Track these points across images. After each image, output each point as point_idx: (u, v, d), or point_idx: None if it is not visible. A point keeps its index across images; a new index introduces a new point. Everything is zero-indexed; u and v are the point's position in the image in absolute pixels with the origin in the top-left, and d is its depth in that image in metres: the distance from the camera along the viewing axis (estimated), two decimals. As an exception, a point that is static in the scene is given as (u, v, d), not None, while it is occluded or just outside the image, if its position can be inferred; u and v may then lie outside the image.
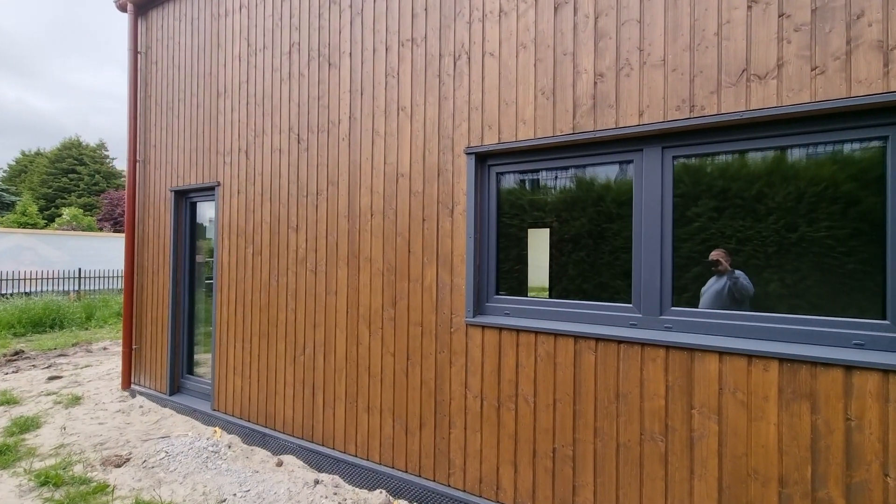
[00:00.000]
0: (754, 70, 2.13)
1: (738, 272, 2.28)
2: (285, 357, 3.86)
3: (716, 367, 2.19)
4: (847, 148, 2.06)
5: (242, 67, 4.25)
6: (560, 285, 2.80)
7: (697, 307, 2.37)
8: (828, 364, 1.97)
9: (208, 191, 4.66)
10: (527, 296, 2.88)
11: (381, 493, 3.17)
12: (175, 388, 4.94)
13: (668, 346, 2.31)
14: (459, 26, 2.99)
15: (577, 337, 2.55)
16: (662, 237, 2.41)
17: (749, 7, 2.14)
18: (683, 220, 2.39)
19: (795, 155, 2.16)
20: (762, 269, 2.23)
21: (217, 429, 4.26)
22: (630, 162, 2.53)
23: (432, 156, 3.08)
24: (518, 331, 2.74)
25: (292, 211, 3.84)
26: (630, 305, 2.52)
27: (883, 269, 1.97)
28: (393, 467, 3.21)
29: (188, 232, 4.95)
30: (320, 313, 3.63)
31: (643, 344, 2.37)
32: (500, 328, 2.80)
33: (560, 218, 2.78)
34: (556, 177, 2.81)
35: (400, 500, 3.12)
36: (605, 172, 2.65)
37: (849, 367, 1.93)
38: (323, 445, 3.57)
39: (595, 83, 2.52)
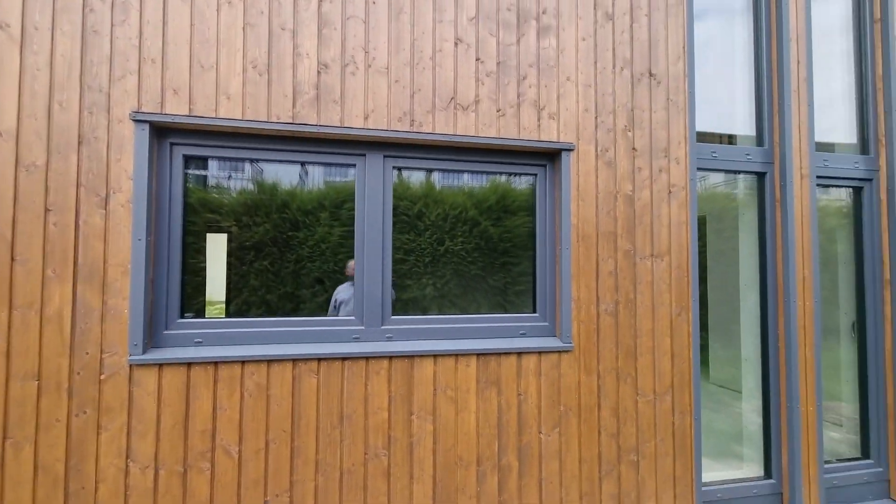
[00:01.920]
0: (459, 100, 2.41)
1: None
2: None
3: (431, 370, 2.33)
4: (523, 181, 2.62)
5: None
6: (244, 299, 2.35)
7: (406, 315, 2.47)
8: (508, 353, 2.41)
9: None
10: (227, 316, 2.27)
11: None
12: None
13: (391, 357, 2.28)
14: (124, -63, 2.09)
15: (297, 360, 2.18)
16: (384, 246, 2.39)
17: (456, 44, 2.41)
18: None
19: (475, 180, 2.59)
20: (421, 275, 2.53)
21: None
22: (353, 165, 2.40)
23: (68, 113, 2.01)
24: (217, 363, 2.11)
25: None
26: (352, 318, 2.37)
27: (534, 276, 2.60)
28: None
29: None
30: None
31: (368, 357, 2.26)
32: (190, 363, 2.08)
33: (240, 222, 2.34)
34: (262, 170, 2.36)
35: None
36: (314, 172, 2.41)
37: (519, 353, 2.43)
38: None
39: (319, 72, 2.25)
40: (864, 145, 3.16)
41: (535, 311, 2.59)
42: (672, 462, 2.57)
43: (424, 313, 2.46)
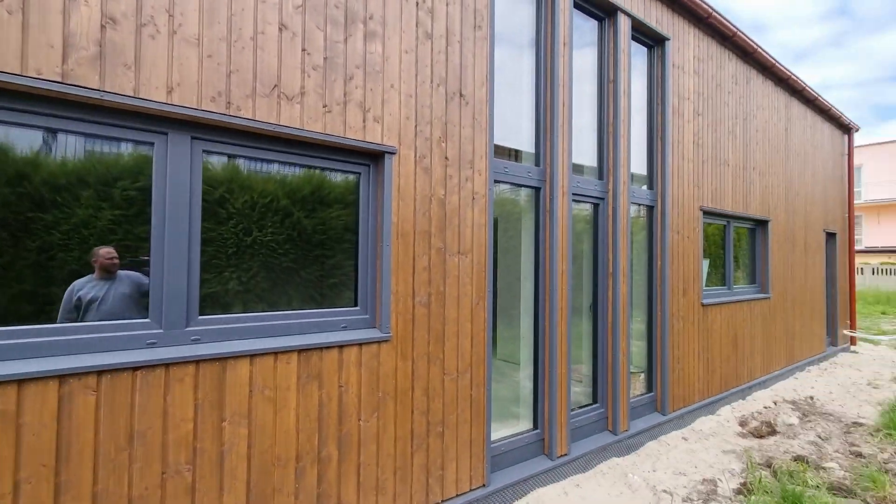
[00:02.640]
0: (284, 89, 2.31)
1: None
2: None
3: (247, 371, 2.20)
4: (341, 177, 2.66)
5: None
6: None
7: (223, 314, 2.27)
8: (330, 347, 2.45)
9: None
10: (-55, 328, 1.68)
11: None
12: None
13: (198, 361, 2.07)
14: None
15: (66, 376, 1.78)
16: (191, 238, 2.14)
17: (280, 30, 2.31)
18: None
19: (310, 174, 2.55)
20: (223, 268, 2.45)
21: None
22: (150, 144, 2.06)
23: None
24: (-72, 392, 1.55)
25: None
26: (147, 321, 2.04)
27: (356, 270, 2.70)
28: None
29: None
30: None
31: (168, 364, 1.99)
32: None
33: None
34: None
35: None
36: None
37: (341, 346, 2.50)
38: None
39: (104, 27, 1.86)
40: (601, 172, 4.27)
41: (356, 305, 2.69)
42: (469, 428, 3.04)
43: (226, 310, 2.29)
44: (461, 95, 3.03)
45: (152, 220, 2.05)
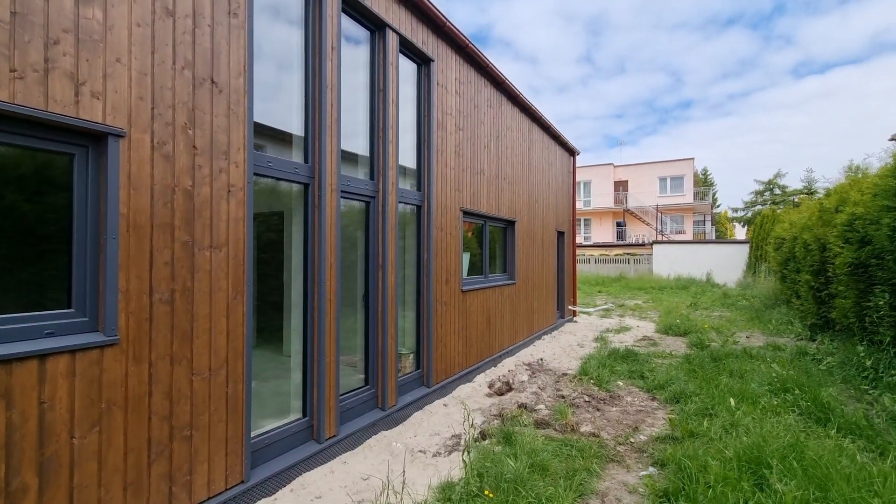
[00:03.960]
0: (-59, 41, 1.84)
1: None
2: None
3: None
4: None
5: None
6: None
7: None
8: (23, 358, 2.07)
9: None
10: None
11: None
12: None
13: None
14: None
15: None
16: None
17: (-66, -36, 1.83)
18: None
19: (-14, 149, 2.08)
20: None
21: None
22: None
23: None
24: None
25: None
26: None
27: (70, 267, 2.33)
28: None
29: None
30: None
31: None
32: None
33: None
34: None
35: None
36: None
37: (42, 356, 2.14)
38: None
39: None
40: (372, 173, 4.64)
41: (69, 307, 2.33)
42: (225, 426, 2.96)
43: None
44: (213, 82, 2.90)
45: None
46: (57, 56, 2.18)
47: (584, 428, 4.47)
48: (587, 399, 5.37)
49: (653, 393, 5.58)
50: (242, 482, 3.07)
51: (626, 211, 33.02)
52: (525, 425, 4.57)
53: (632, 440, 4.23)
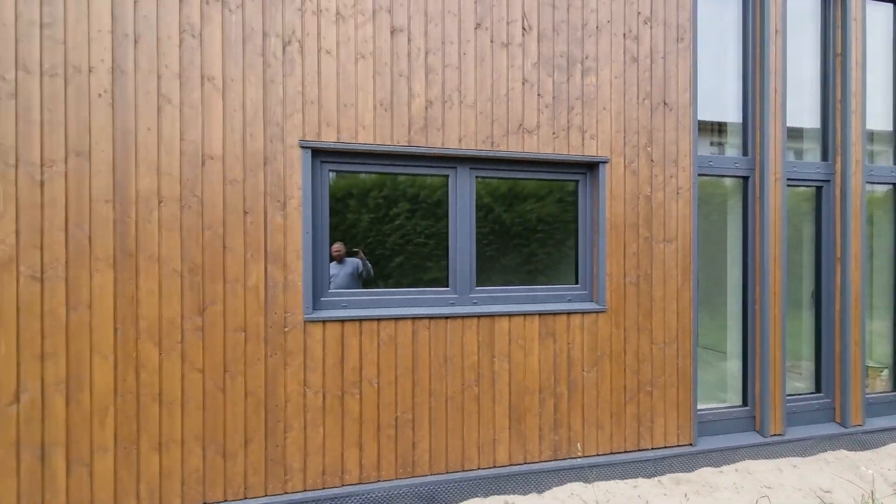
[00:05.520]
0: (525, 126, 3.23)
1: (367, 261, 3.18)
2: (-35, 416, 2.44)
3: (507, 325, 3.21)
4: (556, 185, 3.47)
5: None
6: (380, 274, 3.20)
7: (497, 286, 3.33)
8: (560, 313, 3.30)
9: None
10: (379, 287, 3.12)
11: (188, 539, 2.64)
12: None
13: (479, 316, 3.15)
14: (289, 11, 2.83)
15: (415, 318, 3.04)
16: (471, 234, 3.24)
17: (523, 83, 3.22)
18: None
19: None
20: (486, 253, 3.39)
21: None
22: (446, 175, 3.22)
23: (256, 142, 2.79)
24: (361, 320, 2.96)
25: (-23, 186, 2.45)
26: (447, 289, 3.22)
27: (576, 256, 3.47)
28: (204, 503, 2.72)
29: None
30: (55, 338, 2.54)
31: (463, 317, 3.13)
32: (343, 320, 2.93)
33: (383, 217, 3.17)
34: (376, 179, 3.17)
35: (220, 536, 2.71)
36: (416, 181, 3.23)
37: (569, 314, 3.32)
38: (69, 521, 2.55)
39: (426, 107, 3.05)
40: (824, 154, 4.06)
41: (577, 283, 3.47)
42: (676, 392, 3.51)
43: (491, 283, 3.32)
44: (665, 104, 3.48)
45: (448, 222, 3.21)
46: (573, 117, 3.31)
47: None
48: None
49: None
50: (690, 444, 3.53)
51: None
52: None
53: None
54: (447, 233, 3.23)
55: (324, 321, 2.90)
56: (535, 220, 3.43)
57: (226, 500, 2.75)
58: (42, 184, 2.52)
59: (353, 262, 3.22)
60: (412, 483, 3.01)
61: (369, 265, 3.18)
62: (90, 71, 2.58)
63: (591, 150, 3.35)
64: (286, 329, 2.84)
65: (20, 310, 2.50)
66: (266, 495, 2.81)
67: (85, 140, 2.57)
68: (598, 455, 3.36)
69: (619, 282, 3.41)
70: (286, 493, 2.83)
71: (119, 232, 2.61)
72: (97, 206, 2.58)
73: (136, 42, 2.63)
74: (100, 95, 2.59)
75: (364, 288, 3.15)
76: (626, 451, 3.42)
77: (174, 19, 2.68)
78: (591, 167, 3.44)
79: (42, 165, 2.52)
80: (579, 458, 3.30)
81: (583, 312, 3.34)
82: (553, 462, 3.27)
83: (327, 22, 2.89)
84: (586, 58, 3.33)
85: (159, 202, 2.66)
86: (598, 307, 3.35)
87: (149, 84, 2.65)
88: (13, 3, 2.49)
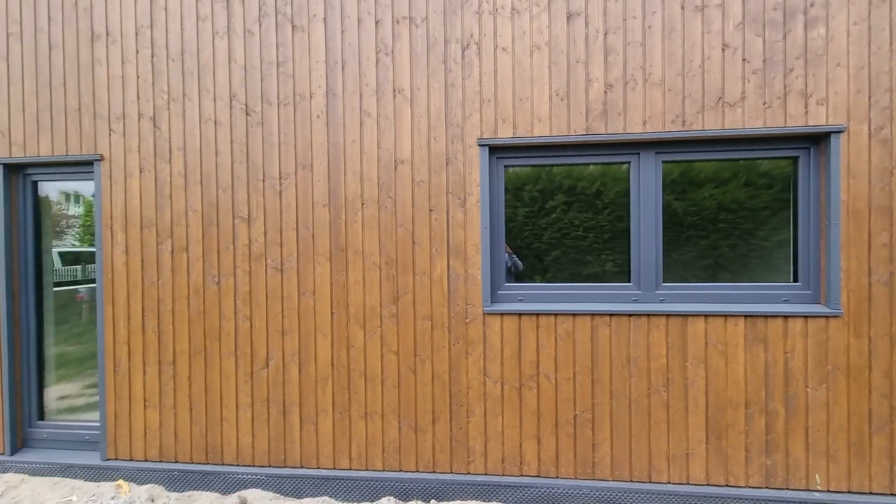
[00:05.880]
0: (727, 99, 2.79)
1: (513, 255, 3.12)
2: (236, 375, 3.18)
3: (703, 327, 2.83)
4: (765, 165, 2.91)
5: (140, 5, 3.22)
6: (552, 269, 3.11)
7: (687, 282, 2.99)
8: (773, 315, 2.78)
9: (74, 167, 3.39)
10: (534, 281, 3.11)
11: (388, 500, 2.99)
12: (18, 443, 3.49)
13: (667, 315, 2.86)
14: (467, 15, 2.96)
15: (594, 314, 2.91)
16: (657, 225, 2.95)
17: (723, 49, 2.79)
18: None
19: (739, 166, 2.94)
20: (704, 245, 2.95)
21: (121, 482, 3.23)
22: (627, 163, 2.98)
23: (439, 144, 2.99)
24: (538, 315, 2.95)
25: (240, 197, 3.15)
26: (630, 284, 2.99)
27: (795, 248, 2.88)
28: (400, 470, 3.05)
29: (29, 222, 3.51)
30: (291, 318, 3.13)
31: (648, 315, 2.87)
32: (520, 314, 2.96)
33: (566, 209, 3.08)
34: (554, 171, 3.09)
35: (413, 503, 3.00)
36: (598, 170, 3.05)
37: (785, 317, 2.77)
38: (302, 468, 3.12)
39: (605, 92, 2.87)
40: None
41: (796, 280, 2.88)
42: (955, 427, 2.66)
43: (681, 279, 2.96)
44: None
45: (631, 217, 2.98)
46: (791, 81, 2.74)
47: None
48: None
49: None
50: (979, 500, 2.64)
51: None
52: None
53: None
54: (613, 225, 3.00)
55: (501, 314, 2.97)
56: (716, 207, 2.96)
57: (418, 471, 3.04)
58: (280, 193, 3.12)
59: (511, 259, 3.22)
60: (594, 486, 2.89)
61: (517, 259, 3.15)
62: (311, 97, 3.09)
63: (817, 119, 2.73)
64: (467, 320, 2.99)
65: (268, 295, 3.14)
66: (451, 472, 3.01)
67: (308, 155, 3.10)
68: (829, 492, 2.74)
69: (860, 280, 2.72)
70: (469, 473, 3.00)
71: (333, 231, 3.08)
72: (318, 209, 3.09)
73: (343, 67, 3.06)
74: (318, 116, 3.08)
75: (515, 282, 3.13)
76: (871, 493, 2.72)
77: (371, 42, 3.03)
78: (816, 139, 2.80)
79: (280, 178, 3.12)
80: (817, 491, 2.74)
81: (806, 316, 2.76)
82: (764, 490, 2.79)
83: (503, 20, 2.94)
84: (811, 5, 2.72)
85: (362, 204, 3.06)
86: (828, 311, 2.73)
87: (353, 102, 3.05)
88: (258, 49, 3.13)
